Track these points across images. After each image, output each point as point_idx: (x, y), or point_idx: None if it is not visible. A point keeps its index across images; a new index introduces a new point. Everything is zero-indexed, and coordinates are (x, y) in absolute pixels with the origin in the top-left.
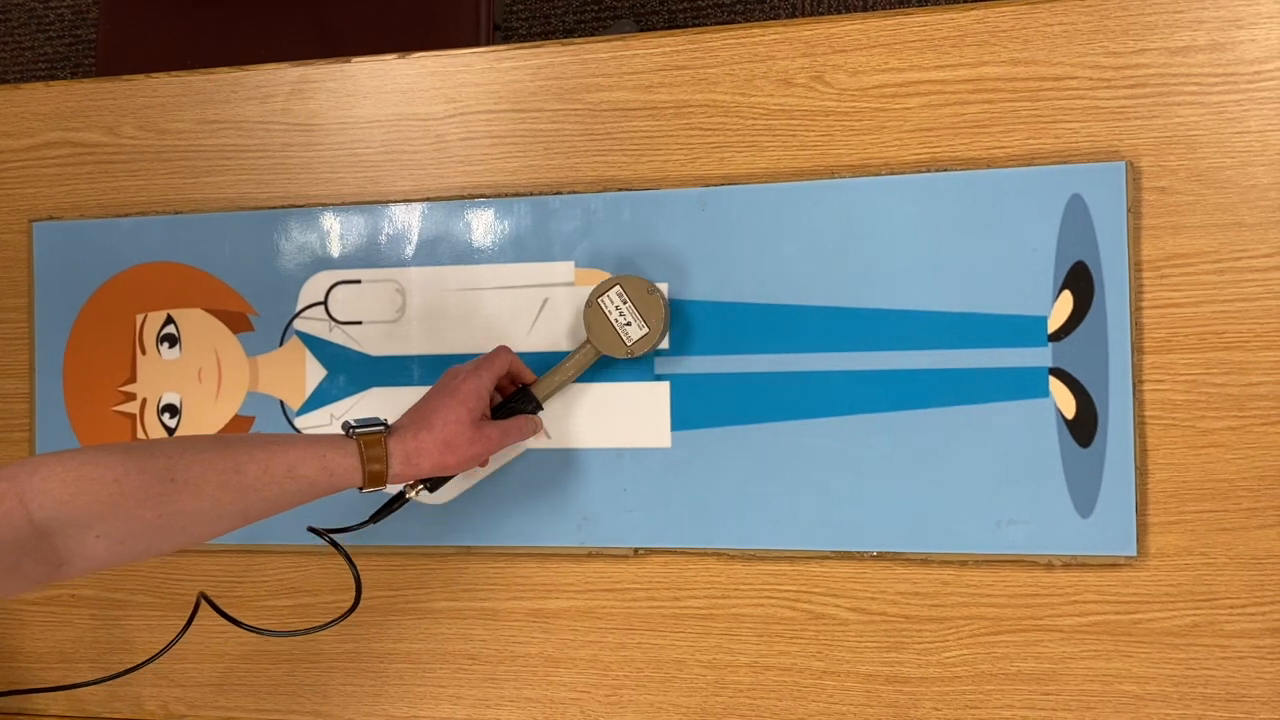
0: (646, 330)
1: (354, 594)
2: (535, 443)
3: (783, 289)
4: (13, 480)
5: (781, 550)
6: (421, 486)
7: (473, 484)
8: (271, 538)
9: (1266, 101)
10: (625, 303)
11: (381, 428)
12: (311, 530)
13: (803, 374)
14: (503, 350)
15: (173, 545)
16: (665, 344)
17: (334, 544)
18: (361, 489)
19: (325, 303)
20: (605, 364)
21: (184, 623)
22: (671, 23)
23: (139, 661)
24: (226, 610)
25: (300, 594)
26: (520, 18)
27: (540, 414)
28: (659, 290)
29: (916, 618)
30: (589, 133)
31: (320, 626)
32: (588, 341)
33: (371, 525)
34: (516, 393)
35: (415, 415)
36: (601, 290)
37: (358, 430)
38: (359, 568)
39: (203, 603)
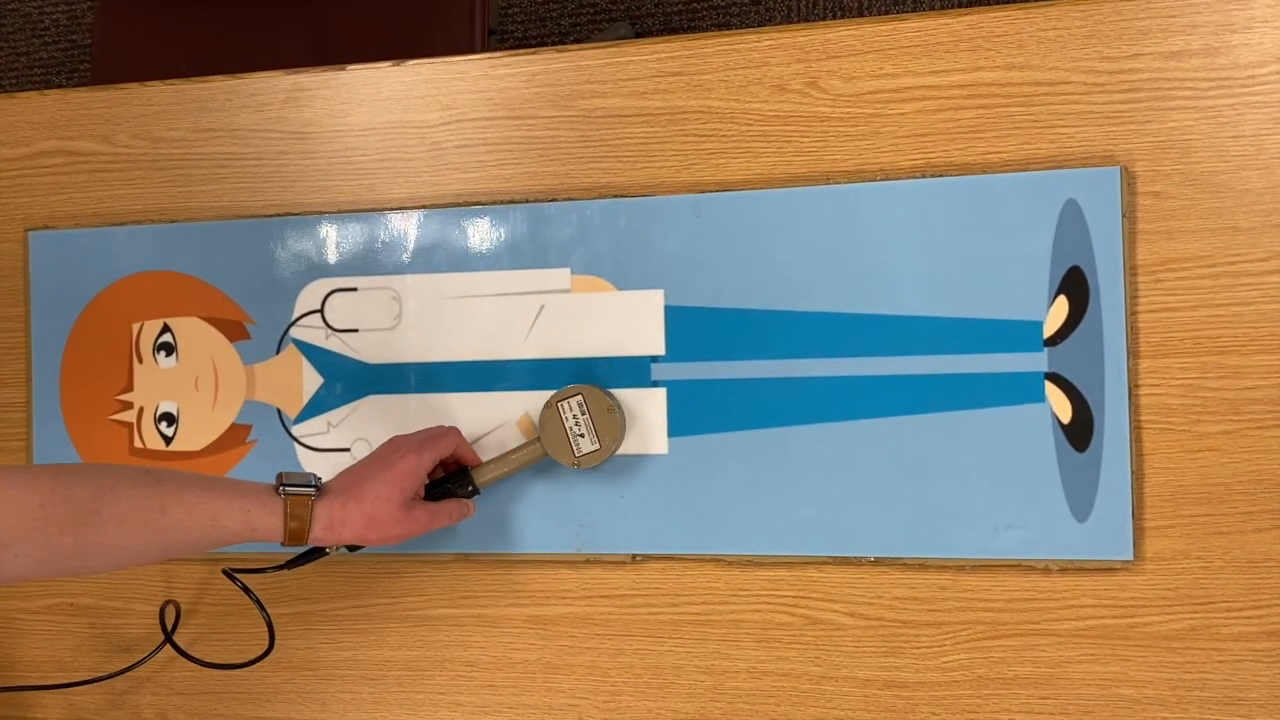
0: (597, 447)
1: (269, 641)
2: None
3: (778, 295)
4: None
5: (779, 556)
6: (342, 547)
7: None
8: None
9: (1261, 106)
10: (584, 414)
11: (312, 490)
12: (225, 574)
13: (799, 380)
14: (451, 431)
15: (89, 571)
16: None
17: (245, 589)
18: (282, 544)
19: (322, 310)
20: (601, 371)
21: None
22: (667, 24)
23: (138, 670)
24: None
25: (299, 601)
26: (515, 20)
27: (475, 499)
28: (619, 409)
29: (914, 623)
30: (584, 139)
31: (243, 663)
32: (538, 440)
33: (285, 570)
34: (456, 473)
35: (348, 481)
36: (563, 395)
37: (287, 489)
38: (355, 574)
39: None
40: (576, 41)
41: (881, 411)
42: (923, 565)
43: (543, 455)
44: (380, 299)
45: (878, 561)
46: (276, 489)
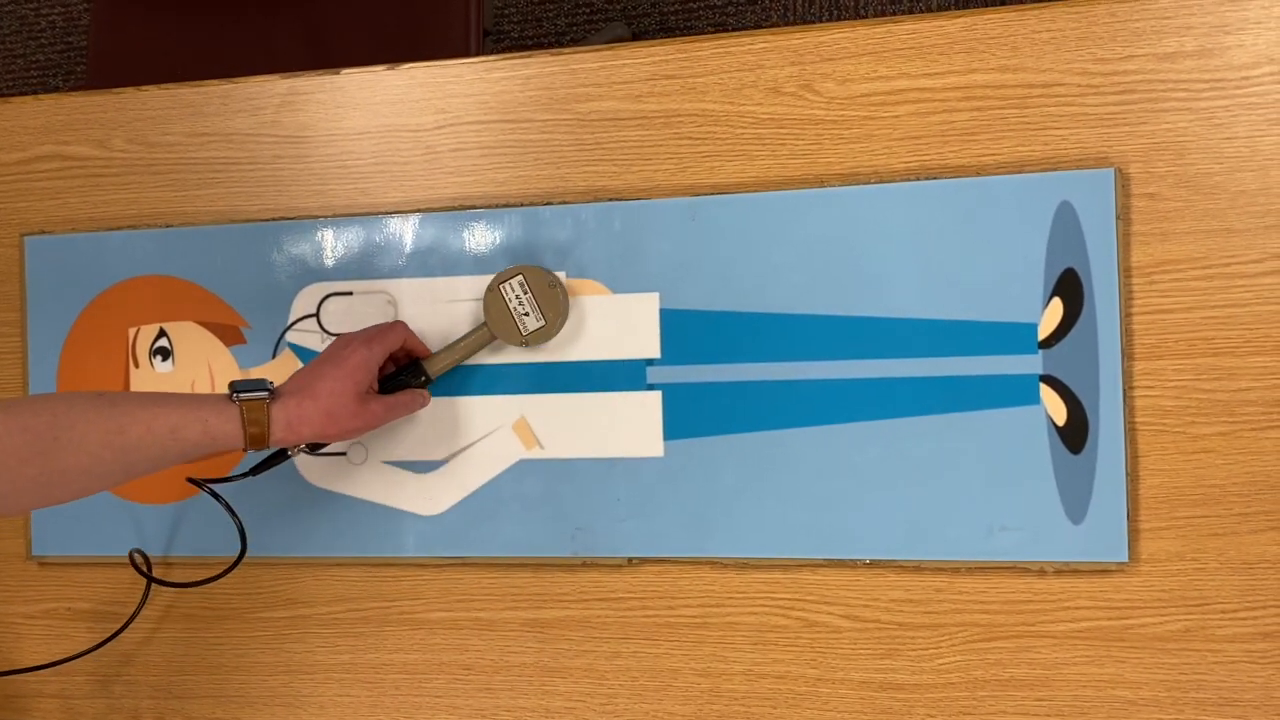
0: (543, 323)
1: (240, 546)
2: (516, 452)
3: (773, 298)
4: None
5: (775, 559)
6: (303, 447)
7: (466, 495)
8: (268, 550)
9: (1254, 107)
10: (526, 293)
11: (265, 393)
12: (190, 481)
13: (794, 383)
14: (399, 325)
15: (56, 500)
16: (559, 333)
17: (213, 494)
18: (244, 450)
19: (318, 314)
20: (596, 374)
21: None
22: (663, 24)
23: (135, 672)
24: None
25: (296, 605)
26: (511, 21)
27: (429, 388)
28: (561, 284)
29: (910, 625)
30: (579, 143)
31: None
32: (484, 325)
33: (251, 478)
34: (407, 365)
35: (301, 382)
36: (503, 278)
37: (241, 395)
38: (351, 577)
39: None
40: (573, 42)
41: (876, 414)
42: (918, 567)
43: (491, 338)
44: (376, 303)
45: (873, 564)
46: (231, 396)
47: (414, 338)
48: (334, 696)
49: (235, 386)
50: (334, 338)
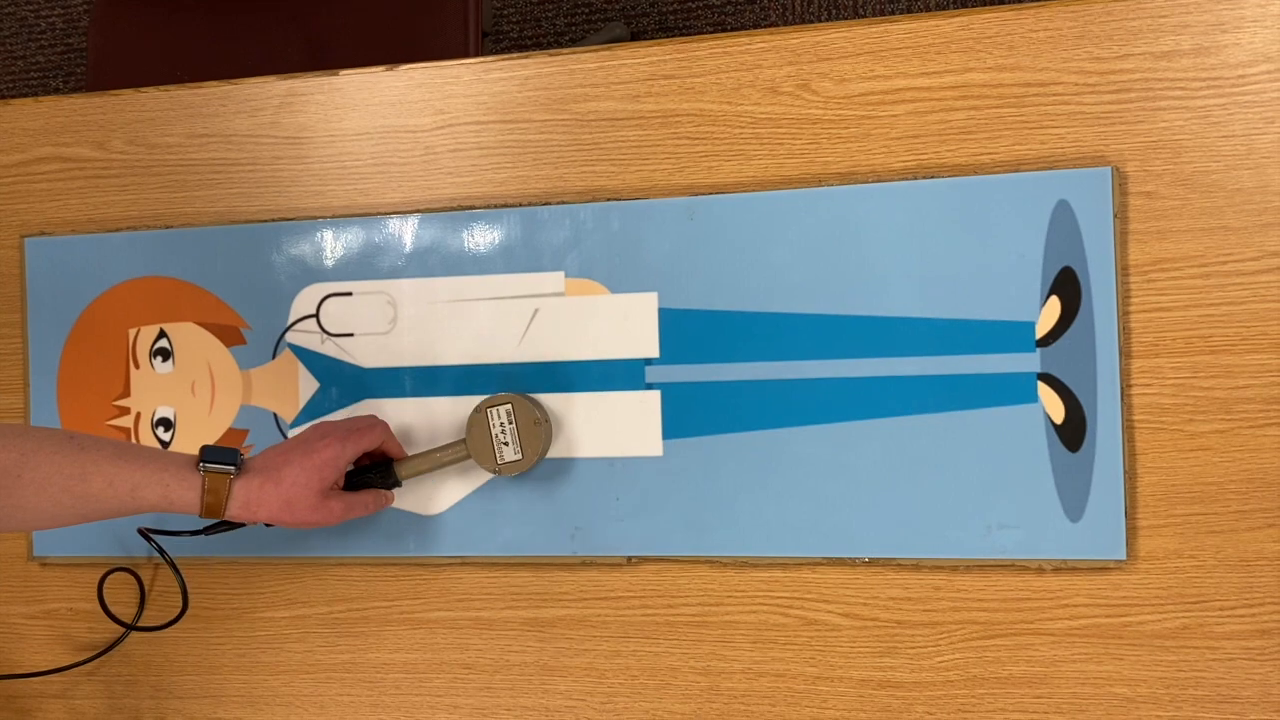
0: (519, 457)
1: (183, 603)
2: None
3: (772, 297)
4: None
5: (774, 557)
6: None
7: (465, 495)
8: (269, 550)
9: (1251, 105)
10: (510, 424)
11: (232, 468)
12: (140, 533)
13: (793, 381)
14: (379, 426)
15: (7, 530)
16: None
17: (159, 550)
18: (200, 516)
19: (317, 315)
20: (595, 374)
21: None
22: (662, 24)
23: (136, 672)
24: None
25: (297, 605)
26: (510, 21)
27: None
28: (546, 422)
29: (908, 623)
30: (577, 143)
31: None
32: (463, 442)
33: (202, 536)
34: (379, 464)
35: (270, 462)
36: (493, 403)
37: (207, 466)
38: (352, 576)
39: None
40: (572, 42)
41: (875, 413)
42: (917, 565)
43: (466, 457)
44: (375, 303)
45: (872, 562)
46: (197, 464)
47: (392, 439)
48: (335, 696)
49: (205, 455)
50: (333, 338)
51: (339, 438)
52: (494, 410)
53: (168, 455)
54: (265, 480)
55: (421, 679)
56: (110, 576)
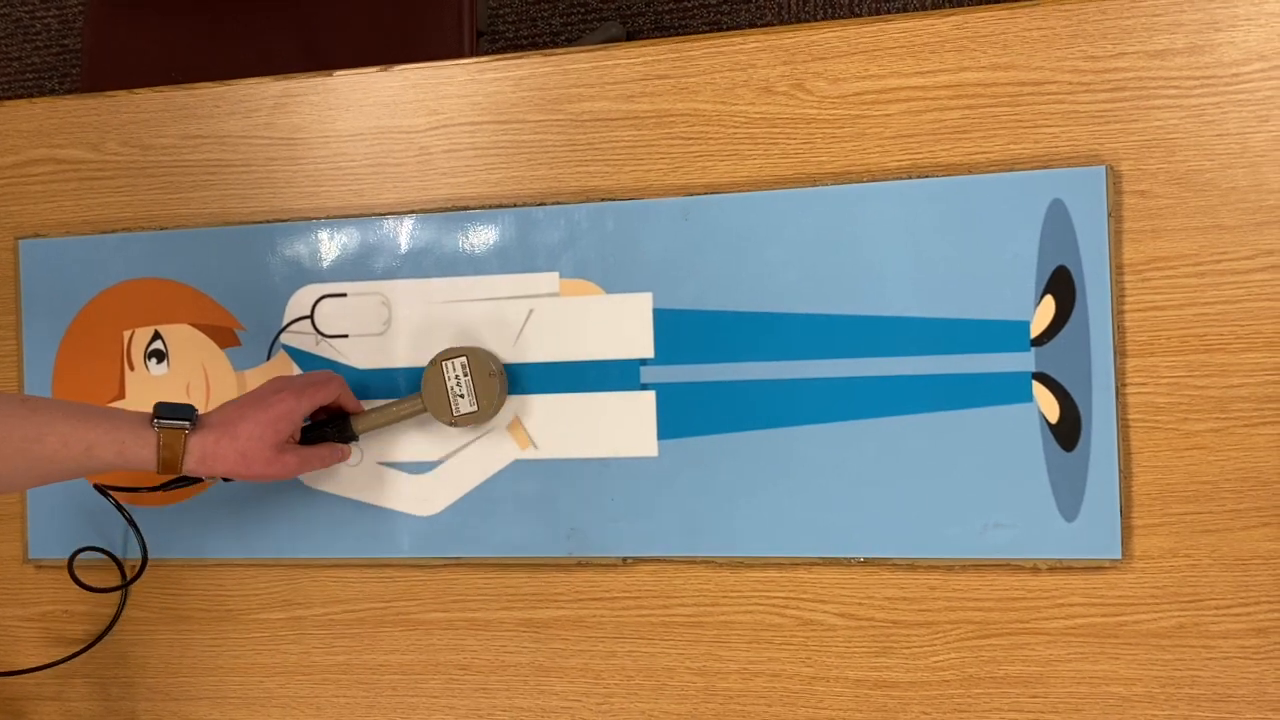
0: (475, 409)
1: (142, 556)
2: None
3: (766, 297)
4: None
5: (769, 557)
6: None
7: (461, 496)
8: (264, 551)
9: (1245, 104)
10: (465, 375)
11: (186, 423)
12: (96, 489)
13: (788, 381)
14: (334, 380)
15: None
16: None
17: (117, 506)
18: (156, 473)
19: (312, 316)
20: (590, 374)
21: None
22: (658, 24)
23: (131, 674)
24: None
25: (293, 606)
26: (506, 21)
27: (353, 444)
28: (501, 374)
29: (904, 622)
30: (571, 143)
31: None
32: (419, 396)
33: (160, 491)
34: (336, 418)
35: (225, 416)
36: (448, 355)
37: (161, 422)
38: (348, 578)
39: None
40: (568, 42)
41: (869, 412)
42: (912, 565)
43: (422, 410)
44: (370, 304)
45: (867, 562)
46: (151, 421)
47: (348, 394)
48: (331, 697)
49: (159, 411)
50: (328, 339)
51: (294, 392)
52: (449, 363)
53: (122, 413)
54: (221, 435)
55: (417, 680)
56: (94, 574)
